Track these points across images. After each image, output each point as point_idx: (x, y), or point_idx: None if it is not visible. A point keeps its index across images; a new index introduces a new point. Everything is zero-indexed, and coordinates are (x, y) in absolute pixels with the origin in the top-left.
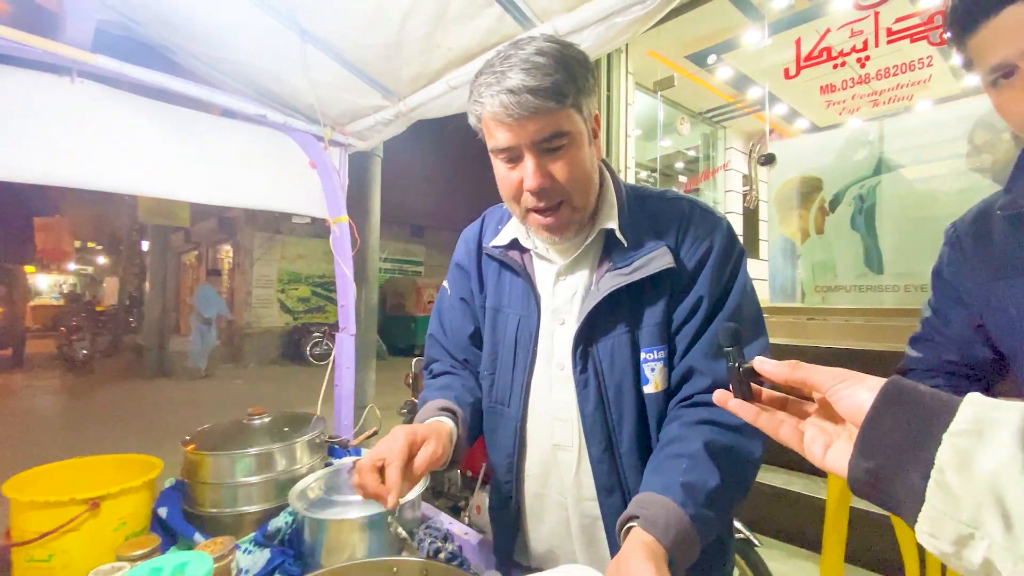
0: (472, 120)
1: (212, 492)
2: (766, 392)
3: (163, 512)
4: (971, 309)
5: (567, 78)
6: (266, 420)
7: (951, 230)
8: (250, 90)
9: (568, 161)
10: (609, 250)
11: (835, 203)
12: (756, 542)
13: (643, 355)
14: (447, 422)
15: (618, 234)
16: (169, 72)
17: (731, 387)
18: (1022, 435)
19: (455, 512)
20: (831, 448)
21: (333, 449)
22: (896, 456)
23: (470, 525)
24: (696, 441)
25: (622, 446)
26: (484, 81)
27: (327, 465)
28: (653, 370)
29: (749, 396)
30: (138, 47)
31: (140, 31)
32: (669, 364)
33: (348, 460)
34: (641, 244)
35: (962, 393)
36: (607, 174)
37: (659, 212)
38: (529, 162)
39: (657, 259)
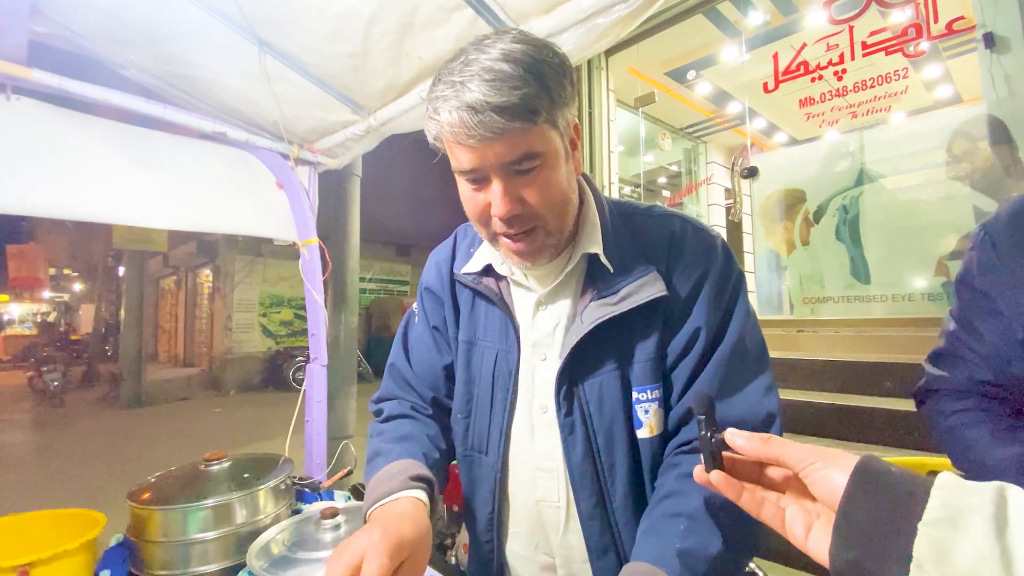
0: (429, 137)
1: (162, 552)
2: (739, 459)
3: None
4: (1010, 321)
5: (539, 90)
6: (225, 466)
7: (980, 233)
8: (209, 107)
9: (541, 183)
10: (593, 276)
11: (819, 214)
12: (760, 573)
13: (635, 395)
14: (423, 499)
15: (603, 259)
16: (121, 89)
17: (702, 457)
18: (996, 522)
19: (441, 551)
20: (812, 531)
21: (303, 493)
22: (875, 547)
23: (456, 564)
24: (696, 496)
25: (615, 500)
26: (441, 92)
27: (295, 512)
28: (647, 412)
29: (720, 466)
30: (103, 68)
31: (85, 44)
32: (665, 405)
33: (317, 507)
34: (628, 269)
35: (995, 419)
36: (588, 190)
37: (647, 232)
38: (497, 186)
39: (647, 286)
